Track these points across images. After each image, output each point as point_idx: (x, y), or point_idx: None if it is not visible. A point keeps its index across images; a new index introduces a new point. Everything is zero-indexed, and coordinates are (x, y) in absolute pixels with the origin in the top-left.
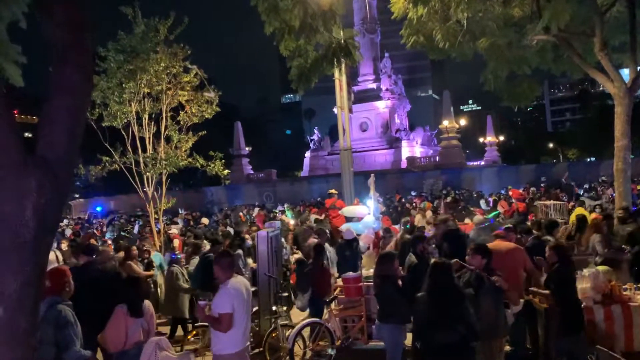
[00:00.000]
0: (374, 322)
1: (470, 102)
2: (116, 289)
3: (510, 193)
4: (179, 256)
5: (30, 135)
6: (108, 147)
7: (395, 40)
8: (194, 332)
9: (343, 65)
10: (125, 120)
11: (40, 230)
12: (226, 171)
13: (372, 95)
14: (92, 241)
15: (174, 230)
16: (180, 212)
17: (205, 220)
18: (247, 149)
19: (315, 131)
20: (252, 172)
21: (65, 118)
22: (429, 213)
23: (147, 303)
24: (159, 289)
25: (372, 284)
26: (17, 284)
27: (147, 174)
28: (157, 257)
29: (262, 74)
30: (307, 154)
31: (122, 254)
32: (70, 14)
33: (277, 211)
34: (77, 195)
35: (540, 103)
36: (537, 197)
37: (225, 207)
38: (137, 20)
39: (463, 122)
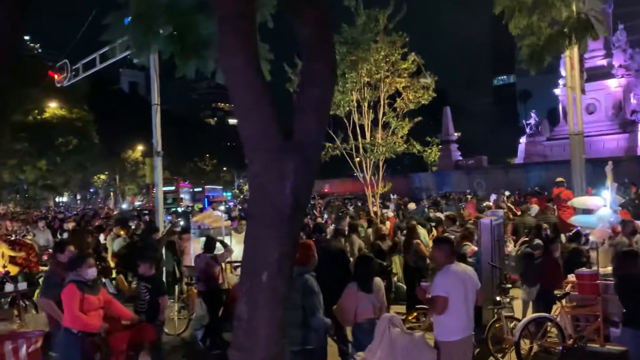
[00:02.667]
0: (613, 325)
1: None
2: (345, 266)
3: None
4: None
5: None
6: (332, 133)
7: (633, 9)
8: (415, 314)
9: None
10: (347, 109)
11: (296, 208)
12: (435, 157)
13: (601, 73)
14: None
15: (390, 213)
16: (391, 196)
17: (412, 205)
18: (455, 134)
19: (532, 115)
20: (460, 158)
21: (315, 108)
22: None
23: (378, 280)
24: None
25: (610, 282)
26: (278, 253)
27: (366, 159)
28: None
29: (473, 55)
30: (522, 140)
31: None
32: (317, 13)
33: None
34: None
35: None
36: None
37: (432, 193)
38: (359, 12)
39: None
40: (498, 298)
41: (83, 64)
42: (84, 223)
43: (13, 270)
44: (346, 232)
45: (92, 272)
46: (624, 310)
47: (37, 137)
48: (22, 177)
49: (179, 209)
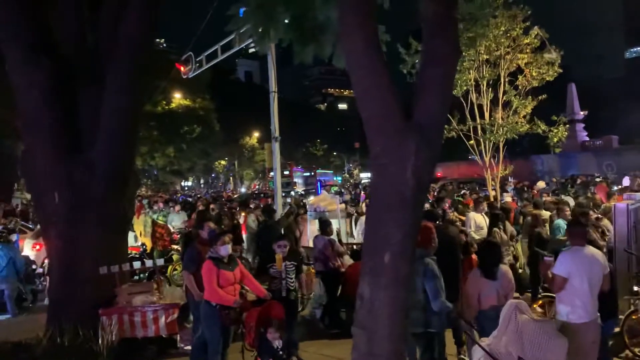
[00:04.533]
0: None
1: None
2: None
3: None
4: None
5: None
6: (448, 115)
7: None
8: (540, 302)
9: None
10: (465, 88)
11: (418, 189)
12: (561, 137)
13: None
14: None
15: (507, 198)
16: (509, 180)
17: (541, 184)
18: (581, 113)
19: None
20: (587, 139)
21: (437, 87)
22: None
23: (504, 268)
24: None
25: None
26: (400, 234)
27: (486, 140)
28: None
29: (602, 26)
30: None
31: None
32: None
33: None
34: None
35: None
36: None
37: (557, 177)
38: None
39: None
40: (635, 288)
41: (206, 55)
42: (220, 205)
43: (149, 244)
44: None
45: (225, 249)
46: None
47: (165, 126)
48: (152, 163)
49: (293, 193)
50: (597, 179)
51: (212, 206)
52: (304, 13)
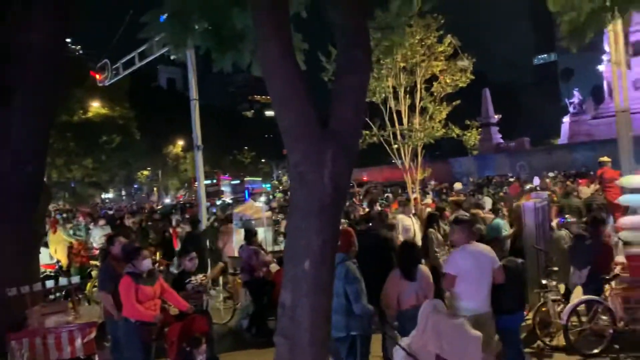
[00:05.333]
0: None
1: None
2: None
3: None
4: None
5: None
6: (368, 121)
7: None
8: None
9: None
10: (383, 95)
11: (336, 195)
12: (476, 140)
13: None
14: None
15: (428, 200)
16: (430, 183)
17: (458, 185)
18: (496, 116)
19: (575, 93)
20: (502, 141)
21: (352, 94)
22: None
23: (423, 268)
24: None
25: None
26: (320, 241)
27: (404, 145)
28: None
29: (513, 34)
30: (566, 119)
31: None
32: (354, 2)
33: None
34: None
35: None
36: None
37: (474, 177)
38: None
39: None
40: (544, 281)
41: (123, 62)
42: (145, 217)
43: (65, 261)
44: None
45: (146, 264)
46: None
47: (82, 136)
48: (69, 175)
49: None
50: (510, 179)
51: (132, 220)
52: (222, 21)
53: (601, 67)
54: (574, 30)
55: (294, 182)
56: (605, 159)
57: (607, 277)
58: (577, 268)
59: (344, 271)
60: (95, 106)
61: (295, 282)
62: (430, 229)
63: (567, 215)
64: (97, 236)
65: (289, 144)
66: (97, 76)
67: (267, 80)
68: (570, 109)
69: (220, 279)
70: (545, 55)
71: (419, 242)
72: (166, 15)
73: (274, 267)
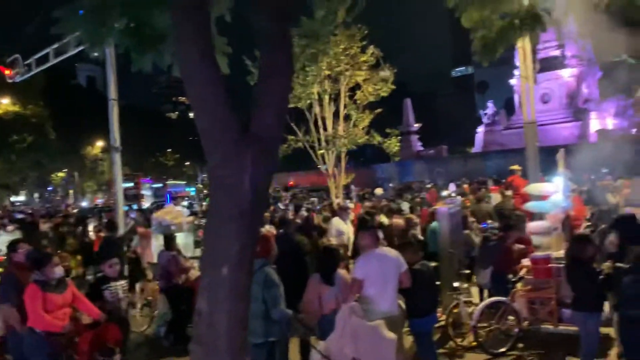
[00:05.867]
0: (565, 306)
1: None
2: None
3: None
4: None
5: None
6: (294, 126)
7: None
8: None
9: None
10: (308, 101)
11: (256, 200)
12: (396, 148)
13: (555, 63)
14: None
15: (351, 204)
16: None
17: (379, 190)
18: (416, 125)
19: (489, 105)
20: (422, 148)
21: (273, 99)
22: (626, 192)
23: (342, 272)
24: None
25: (562, 265)
26: (238, 246)
27: (328, 151)
28: None
29: (433, 47)
30: (480, 129)
31: None
32: (278, 3)
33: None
34: None
35: None
36: None
37: (395, 183)
38: (317, 4)
39: None
40: (456, 284)
41: (36, 58)
42: (60, 222)
43: None
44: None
45: (58, 271)
46: (572, 294)
47: None
48: None
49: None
50: (428, 185)
51: (47, 224)
52: (142, 20)
53: (513, 81)
54: (486, 46)
55: (213, 186)
56: (516, 167)
57: (514, 279)
58: (481, 268)
59: (263, 276)
60: (5, 103)
61: (212, 288)
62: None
63: (489, 221)
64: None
65: (208, 147)
66: (7, 71)
67: (186, 83)
68: (485, 120)
69: (137, 285)
70: (463, 68)
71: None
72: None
73: (194, 273)
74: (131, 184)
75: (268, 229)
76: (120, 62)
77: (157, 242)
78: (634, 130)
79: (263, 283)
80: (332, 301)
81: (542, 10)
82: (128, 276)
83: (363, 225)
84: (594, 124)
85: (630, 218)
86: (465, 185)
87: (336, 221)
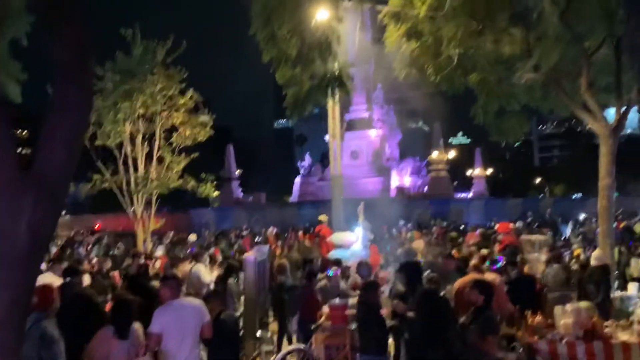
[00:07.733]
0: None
1: (460, 134)
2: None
3: (497, 227)
4: None
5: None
6: (100, 165)
7: (387, 72)
8: None
9: (337, 95)
10: (119, 140)
11: (34, 246)
12: (215, 193)
13: (364, 124)
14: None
15: (159, 252)
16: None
17: (192, 237)
18: (237, 172)
19: (306, 157)
20: (242, 195)
21: (66, 135)
22: (418, 242)
23: (137, 325)
24: None
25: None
26: (8, 298)
27: (138, 194)
28: None
29: (257, 98)
30: (297, 180)
31: None
32: (76, 35)
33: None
34: (63, 213)
35: (528, 139)
36: (522, 232)
37: (212, 229)
38: (136, 42)
39: (452, 153)
40: (259, 333)
41: None
42: None
43: None
44: None
45: None
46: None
47: None
48: None
49: None
50: (244, 232)
51: None
52: None
53: (327, 137)
54: (296, 102)
55: None
56: (323, 217)
57: (314, 326)
58: (290, 316)
59: (38, 334)
60: None
61: None
62: (230, 280)
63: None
64: None
65: None
66: None
67: None
68: (302, 171)
69: None
70: (284, 120)
71: None
72: None
73: None
74: None
75: (50, 279)
76: None
77: None
78: (425, 189)
79: (39, 340)
80: (123, 358)
81: (347, 76)
82: None
83: (231, 272)
84: (395, 180)
85: (414, 264)
86: (271, 233)
87: (196, 267)
